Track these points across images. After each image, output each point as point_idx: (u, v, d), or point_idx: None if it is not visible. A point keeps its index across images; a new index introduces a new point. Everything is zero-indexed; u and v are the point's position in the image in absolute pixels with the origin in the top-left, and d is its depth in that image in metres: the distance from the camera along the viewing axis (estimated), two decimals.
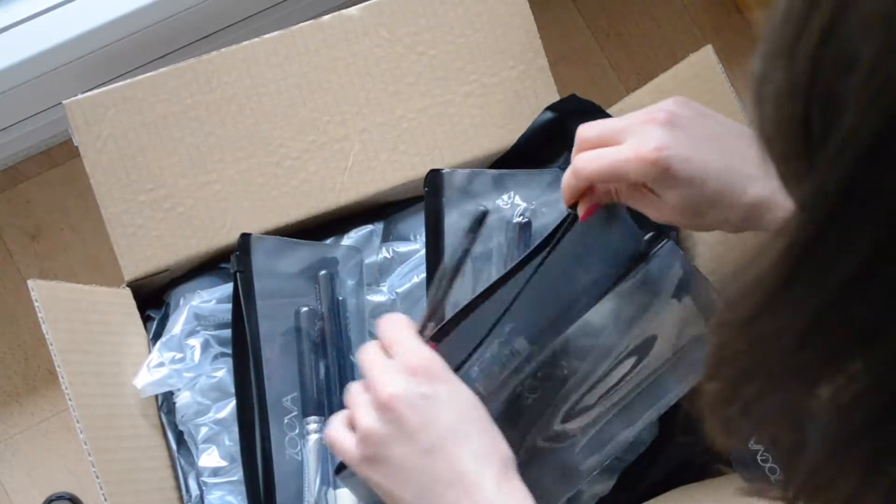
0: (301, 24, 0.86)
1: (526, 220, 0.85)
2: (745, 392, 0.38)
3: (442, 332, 0.68)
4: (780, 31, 0.31)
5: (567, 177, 0.65)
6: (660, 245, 0.85)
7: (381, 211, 0.89)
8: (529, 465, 0.77)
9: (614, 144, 0.63)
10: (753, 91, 0.32)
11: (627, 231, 0.84)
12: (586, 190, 0.67)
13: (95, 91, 0.83)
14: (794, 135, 0.31)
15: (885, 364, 0.32)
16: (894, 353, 0.32)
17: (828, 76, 0.29)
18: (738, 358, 0.38)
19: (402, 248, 0.87)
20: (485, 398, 0.75)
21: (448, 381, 0.59)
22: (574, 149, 0.65)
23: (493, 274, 0.83)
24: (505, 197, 0.86)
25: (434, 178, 0.84)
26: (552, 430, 0.82)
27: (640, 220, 0.86)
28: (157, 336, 0.84)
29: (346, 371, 0.83)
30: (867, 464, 0.35)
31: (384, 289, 0.86)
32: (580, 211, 0.68)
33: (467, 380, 0.66)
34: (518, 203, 0.86)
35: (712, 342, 0.39)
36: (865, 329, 0.32)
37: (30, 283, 0.75)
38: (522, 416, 0.81)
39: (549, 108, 0.89)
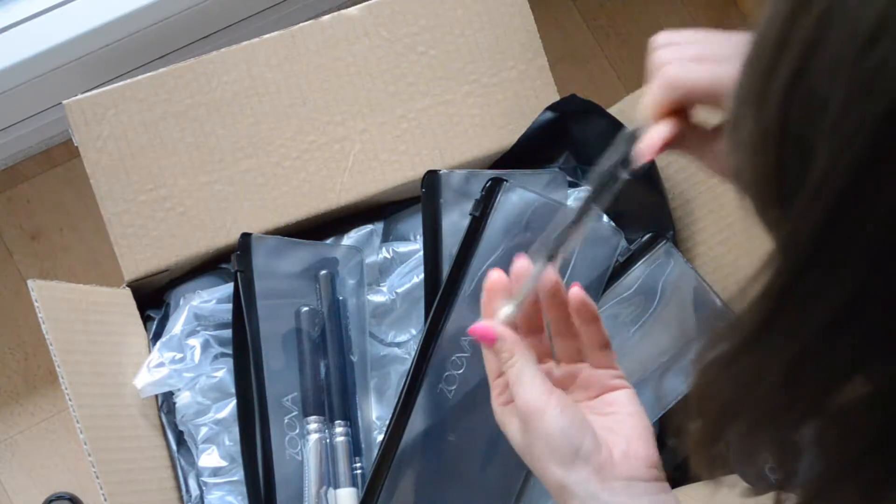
0: (301, 24, 0.86)
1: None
2: (730, 431, 0.38)
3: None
4: (750, 77, 0.30)
5: (657, 89, 0.54)
6: (658, 245, 0.85)
7: (381, 211, 0.89)
8: None
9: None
10: (728, 138, 0.31)
11: (606, 232, 0.84)
12: (672, 111, 0.55)
13: (95, 91, 0.83)
14: (769, 181, 0.31)
15: (868, 403, 0.32)
16: (876, 391, 0.31)
17: (799, 121, 0.29)
18: (721, 397, 0.38)
19: (402, 248, 0.87)
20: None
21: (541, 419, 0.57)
22: (655, 57, 0.55)
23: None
24: None
25: (431, 180, 0.84)
26: None
27: (640, 221, 0.86)
28: (157, 336, 0.84)
29: (346, 371, 0.83)
30: (864, 492, 0.35)
31: (384, 289, 0.86)
32: (649, 141, 0.56)
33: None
34: None
35: (695, 381, 0.39)
36: (846, 369, 0.32)
37: (30, 283, 0.75)
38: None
39: (549, 108, 0.89)
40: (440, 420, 0.79)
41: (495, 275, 0.59)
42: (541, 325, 0.61)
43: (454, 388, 0.80)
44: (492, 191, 0.81)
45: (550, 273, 0.58)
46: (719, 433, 0.39)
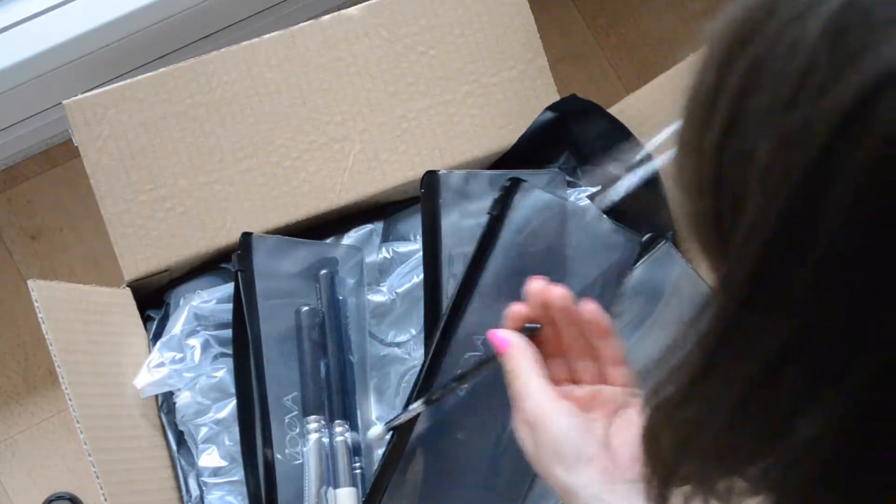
0: (301, 24, 0.86)
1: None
2: (681, 470, 0.39)
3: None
4: (688, 128, 0.31)
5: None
6: (658, 246, 0.85)
7: (381, 211, 0.89)
8: None
9: None
10: (674, 180, 0.33)
11: (614, 231, 0.84)
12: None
13: (95, 91, 0.83)
14: (707, 227, 0.32)
15: (812, 444, 0.32)
16: (819, 432, 0.32)
17: (731, 172, 0.30)
18: (670, 439, 0.38)
19: (402, 248, 0.87)
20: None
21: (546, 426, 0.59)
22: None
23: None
24: None
25: (430, 180, 0.84)
26: None
27: (640, 221, 0.86)
28: (157, 336, 0.84)
29: (346, 370, 0.83)
30: None
31: (384, 289, 0.86)
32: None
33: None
34: None
35: (645, 422, 0.39)
36: (788, 411, 0.32)
37: (30, 283, 0.75)
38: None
39: (549, 108, 0.89)
40: (450, 418, 0.79)
41: (517, 307, 0.62)
42: (562, 348, 0.62)
43: (465, 386, 0.80)
44: (510, 190, 0.81)
45: (560, 290, 0.60)
46: (671, 474, 0.39)
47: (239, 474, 0.81)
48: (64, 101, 0.82)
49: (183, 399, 0.82)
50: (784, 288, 0.29)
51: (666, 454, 0.39)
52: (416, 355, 0.85)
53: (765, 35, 0.29)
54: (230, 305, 0.83)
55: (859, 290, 0.28)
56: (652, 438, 0.40)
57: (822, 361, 0.30)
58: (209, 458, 0.81)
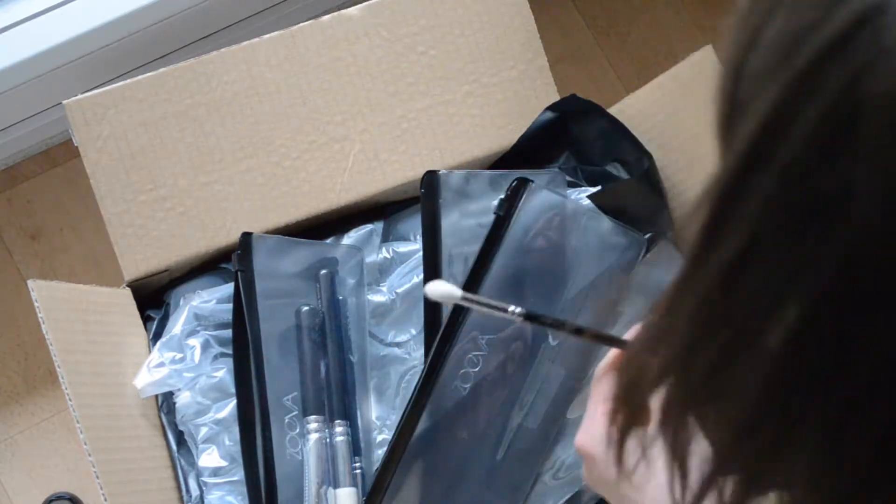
0: (301, 24, 0.86)
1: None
2: (647, 398, 0.40)
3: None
4: (728, 42, 0.35)
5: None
6: (657, 246, 0.85)
7: (381, 211, 0.89)
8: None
9: None
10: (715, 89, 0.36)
11: (612, 231, 0.84)
12: None
13: (95, 91, 0.83)
14: (722, 131, 0.35)
15: (769, 353, 0.33)
16: (775, 343, 0.33)
17: (746, 82, 0.33)
18: (640, 361, 0.40)
19: (402, 248, 0.87)
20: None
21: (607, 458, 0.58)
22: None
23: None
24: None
25: (430, 180, 0.84)
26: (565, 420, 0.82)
27: (640, 221, 0.86)
28: (157, 336, 0.84)
29: (346, 370, 0.83)
30: (761, 454, 0.36)
31: (384, 289, 0.86)
32: None
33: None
34: None
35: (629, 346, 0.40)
36: (748, 319, 0.34)
37: (30, 283, 0.75)
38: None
39: (549, 108, 0.89)
40: (453, 417, 0.79)
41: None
42: None
43: (469, 385, 0.80)
44: (517, 191, 0.81)
45: None
46: (638, 406, 0.41)
47: (239, 474, 0.81)
48: (64, 101, 0.82)
49: (183, 399, 0.82)
50: (752, 192, 0.32)
51: (635, 382, 0.40)
52: (416, 355, 0.85)
53: None
54: (230, 305, 0.83)
55: (808, 205, 0.31)
56: (627, 365, 0.41)
57: (773, 275, 0.33)
58: (209, 458, 0.81)
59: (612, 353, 0.60)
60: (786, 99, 0.31)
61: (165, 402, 0.83)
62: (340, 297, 0.84)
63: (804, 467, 0.35)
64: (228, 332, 0.83)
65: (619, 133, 0.87)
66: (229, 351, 0.83)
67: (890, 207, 0.30)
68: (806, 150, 0.31)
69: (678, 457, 0.39)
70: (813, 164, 0.31)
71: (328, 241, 0.87)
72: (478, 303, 0.60)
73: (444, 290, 0.58)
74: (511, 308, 0.59)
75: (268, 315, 0.81)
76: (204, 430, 0.81)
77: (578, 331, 0.61)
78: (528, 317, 0.60)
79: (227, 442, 0.81)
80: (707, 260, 0.34)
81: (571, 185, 0.89)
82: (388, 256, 0.87)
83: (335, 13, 0.87)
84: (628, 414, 0.42)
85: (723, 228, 0.34)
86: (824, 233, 0.31)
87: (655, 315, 0.38)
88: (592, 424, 0.58)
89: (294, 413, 0.81)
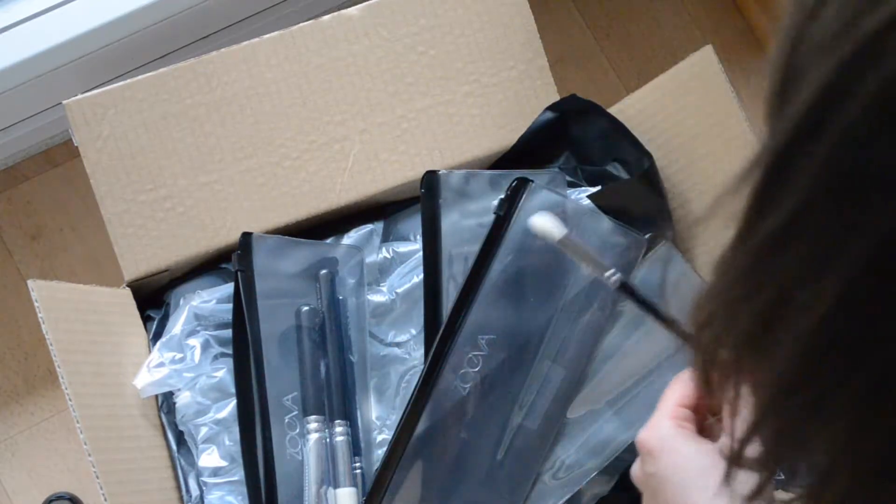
0: (301, 24, 0.86)
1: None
2: (715, 350, 0.41)
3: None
4: (787, 15, 0.35)
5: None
6: (658, 246, 0.85)
7: (381, 211, 0.89)
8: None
9: None
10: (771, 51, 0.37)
11: (613, 231, 0.84)
12: None
13: (95, 91, 0.83)
14: (775, 98, 0.35)
15: (810, 317, 0.34)
16: (817, 305, 0.33)
17: (803, 54, 0.34)
18: (703, 317, 0.40)
19: (402, 248, 0.87)
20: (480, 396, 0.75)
21: (671, 455, 0.59)
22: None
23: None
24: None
25: (430, 180, 0.84)
26: (566, 420, 0.82)
27: (640, 221, 0.86)
28: (157, 336, 0.84)
29: (346, 370, 0.83)
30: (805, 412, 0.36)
31: (384, 289, 0.86)
32: None
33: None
34: None
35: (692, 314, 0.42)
36: (793, 284, 0.34)
37: (30, 283, 0.75)
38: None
39: (549, 108, 0.89)
40: (453, 417, 0.79)
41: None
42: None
43: (469, 385, 0.80)
44: (517, 191, 0.81)
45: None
46: (710, 353, 0.41)
47: (239, 474, 0.81)
48: (64, 101, 0.82)
49: (183, 399, 0.82)
50: (806, 160, 0.32)
51: (703, 335, 0.41)
52: (416, 355, 0.85)
53: None
54: (230, 305, 0.83)
55: (863, 176, 0.31)
56: (695, 324, 0.42)
57: (820, 242, 0.33)
58: (209, 458, 0.81)
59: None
60: (847, 65, 0.31)
61: (165, 402, 0.83)
62: (340, 297, 0.84)
63: (840, 431, 0.35)
64: (228, 332, 0.83)
65: (619, 133, 0.87)
66: (229, 351, 0.83)
67: None
68: (864, 118, 0.31)
69: (732, 411, 0.40)
70: (871, 132, 0.31)
71: (328, 241, 0.87)
72: (577, 250, 0.60)
73: (548, 225, 0.58)
74: (609, 272, 0.59)
75: (268, 315, 0.81)
76: (204, 430, 0.81)
77: (663, 318, 0.62)
78: (623, 287, 0.60)
79: (227, 442, 0.81)
80: (758, 222, 0.35)
81: (571, 185, 0.89)
82: (388, 256, 0.87)
83: (335, 13, 0.87)
84: (705, 354, 0.42)
85: (775, 193, 0.34)
86: (877, 202, 0.31)
87: (711, 277, 0.39)
88: (654, 423, 0.59)
89: (294, 413, 0.81)
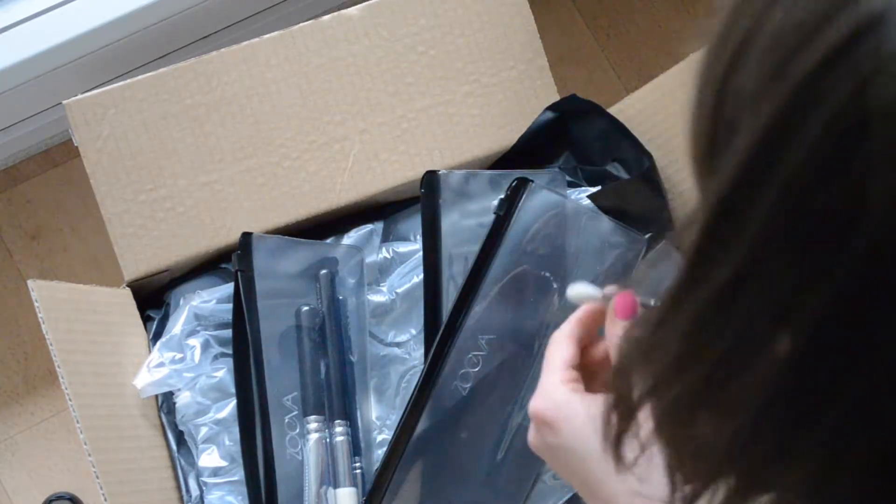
0: (301, 24, 0.86)
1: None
2: (639, 402, 0.40)
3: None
4: (704, 59, 0.35)
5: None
6: (657, 246, 0.85)
7: (381, 211, 0.89)
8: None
9: None
10: (688, 111, 0.35)
11: (611, 231, 0.84)
12: None
13: (95, 91, 0.83)
14: (703, 147, 0.35)
15: (768, 371, 0.33)
16: (770, 363, 0.33)
17: (731, 100, 0.33)
18: (633, 366, 0.40)
19: (402, 248, 0.87)
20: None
21: (570, 422, 0.57)
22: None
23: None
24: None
25: (430, 180, 0.84)
26: None
27: (641, 221, 0.86)
28: (157, 336, 0.84)
29: (346, 370, 0.83)
30: (767, 455, 0.36)
31: (384, 289, 0.86)
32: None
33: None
34: None
35: (616, 355, 0.41)
36: (743, 338, 0.33)
37: (30, 283, 0.75)
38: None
39: (549, 108, 0.89)
40: (453, 417, 0.79)
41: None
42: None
43: (469, 385, 0.80)
44: (517, 191, 0.81)
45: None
46: (630, 409, 0.41)
47: (239, 474, 0.81)
48: (64, 101, 0.82)
49: (183, 399, 0.82)
50: (750, 210, 0.31)
51: (628, 390, 0.40)
52: (416, 355, 0.85)
53: None
54: (230, 305, 0.83)
55: (814, 220, 0.30)
56: (619, 373, 0.41)
57: (774, 291, 0.32)
58: (209, 458, 0.81)
59: (575, 319, 0.59)
60: (785, 112, 0.30)
61: (165, 402, 0.83)
62: (340, 297, 0.84)
63: (803, 475, 0.35)
64: (228, 332, 0.83)
65: (619, 133, 0.87)
66: (229, 351, 0.83)
67: None
68: (810, 164, 0.30)
69: (672, 462, 0.39)
70: (818, 178, 0.30)
71: (328, 241, 0.87)
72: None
73: (586, 291, 0.59)
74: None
75: (268, 315, 0.81)
76: (204, 430, 0.81)
77: None
78: None
79: (227, 442, 0.81)
80: (700, 279, 0.34)
81: (571, 185, 0.89)
82: (388, 256, 0.87)
83: (335, 13, 0.87)
84: (621, 420, 0.42)
85: (717, 249, 0.33)
86: (832, 249, 0.30)
87: (645, 329, 0.37)
88: (547, 391, 0.57)
89: (294, 413, 0.81)
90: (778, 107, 0.30)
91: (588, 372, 0.59)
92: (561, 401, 0.57)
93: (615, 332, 0.57)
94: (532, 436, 0.58)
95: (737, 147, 0.32)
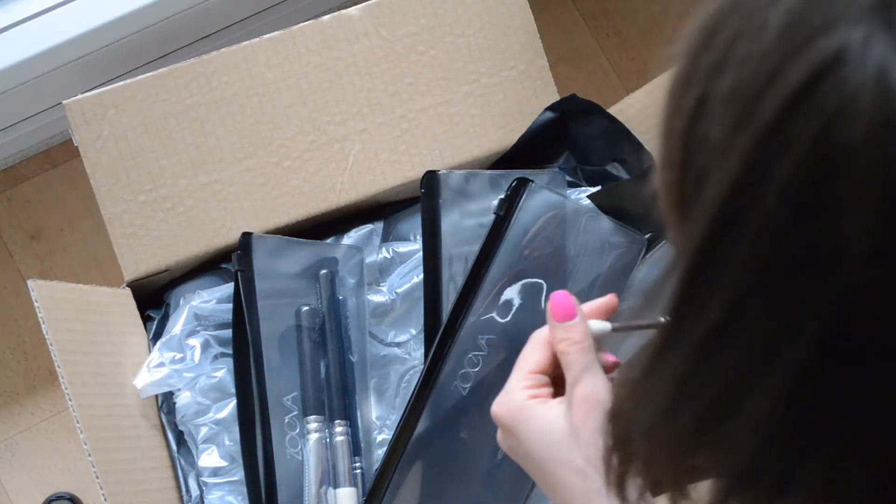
0: (301, 24, 0.86)
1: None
2: (638, 451, 0.40)
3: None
4: (666, 109, 0.35)
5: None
6: (658, 246, 0.85)
7: (381, 211, 0.89)
8: None
9: None
10: (655, 165, 0.35)
11: (613, 231, 0.84)
12: None
13: (95, 91, 0.83)
14: (674, 198, 0.35)
15: (752, 421, 0.33)
16: (758, 410, 0.33)
17: (697, 149, 0.33)
18: (629, 416, 0.40)
19: (402, 248, 0.87)
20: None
21: (526, 426, 0.57)
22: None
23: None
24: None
25: (430, 180, 0.84)
26: None
27: (641, 221, 0.86)
28: (157, 336, 0.84)
29: (346, 370, 0.83)
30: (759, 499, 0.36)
31: (384, 289, 0.86)
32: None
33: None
34: None
35: (612, 400, 0.41)
36: (730, 386, 0.34)
37: (30, 283, 0.75)
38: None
39: (549, 108, 0.89)
40: (453, 417, 0.79)
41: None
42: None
43: (469, 385, 0.80)
44: (517, 191, 0.81)
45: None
46: (629, 456, 0.41)
47: (239, 474, 0.81)
48: (64, 101, 0.82)
49: (183, 399, 0.82)
50: (728, 258, 0.32)
51: (625, 433, 0.40)
52: (416, 355, 0.85)
53: (731, 26, 0.32)
54: (230, 305, 0.83)
55: (792, 264, 0.30)
56: (615, 417, 0.41)
57: (760, 336, 0.32)
58: (209, 458, 0.81)
59: (549, 327, 0.58)
60: (751, 160, 0.30)
61: (165, 402, 0.83)
62: (340, 297, 0.84)
63: (811, 500, 0.35)
64: (228, 332, 0.83)
65: (619, 133, 0.87)
66: (229, 351, 0.83)
67: (886, 253, 0.29)
68: (781, 210, 0.30)
69: (674, 499, 0.39)
70: (793, 221, 0.30)
71: (328, 241, 0.87)
72: (629, 326, 0.61)
73: (596, 327, 0.59)
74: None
75: (268, 315, 0.81)
76: (204, 430, 0.81)
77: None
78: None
79: (227, 442, 0.81)
80: (684, 329, 0.34)
81: (571, 185, 0.89)
82: (388, 256, 0.87)
83: (335, 13, 0.87)
84: (622, 463, 0.42)
85: (698, 299, 0.33)
86: (814, 289, 0.30)
87: (639, 373, 0.38)
88: (507, 393, 0.57)
89: (294, 413, 0.81)
90: (744, 156, 0.30)
91: (561, 378, 0.59)
92: (517, 406, 0.57)
93: (557, 336, 0.57)
94: (498, 436, 0.59)
95: (706, 198, 0.32)
